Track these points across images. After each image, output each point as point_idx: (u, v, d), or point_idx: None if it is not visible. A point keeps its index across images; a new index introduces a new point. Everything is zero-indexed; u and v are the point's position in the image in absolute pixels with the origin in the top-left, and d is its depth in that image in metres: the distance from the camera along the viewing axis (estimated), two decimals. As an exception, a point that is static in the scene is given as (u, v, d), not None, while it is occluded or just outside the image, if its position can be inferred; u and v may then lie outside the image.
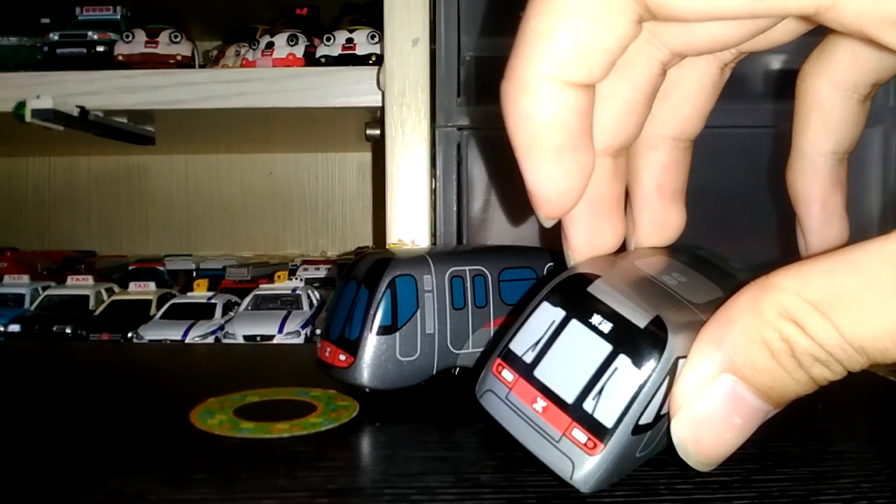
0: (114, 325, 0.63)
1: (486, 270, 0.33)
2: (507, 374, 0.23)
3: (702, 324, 0.21)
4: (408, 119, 0.58)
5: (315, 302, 0.66)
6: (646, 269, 0.25)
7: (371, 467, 0.26)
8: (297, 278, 0.76)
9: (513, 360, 0.23)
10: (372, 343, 0.31)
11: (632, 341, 0.21)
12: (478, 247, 0.50)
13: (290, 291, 0.66)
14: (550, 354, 0.22)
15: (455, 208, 0.55)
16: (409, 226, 0.57)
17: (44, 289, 0.70)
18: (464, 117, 0.54)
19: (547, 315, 0.23)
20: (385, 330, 0.31)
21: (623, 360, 0.21)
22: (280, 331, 0.59)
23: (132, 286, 0.71)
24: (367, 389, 0.31)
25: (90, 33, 0.73)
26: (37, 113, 0.65)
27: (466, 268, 0.33)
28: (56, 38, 0.73)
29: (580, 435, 0.21)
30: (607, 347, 0.21)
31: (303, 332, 0.60)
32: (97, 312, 0.66)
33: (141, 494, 0.23)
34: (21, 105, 0.65)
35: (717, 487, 0.23)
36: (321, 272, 0.82)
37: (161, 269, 0.87)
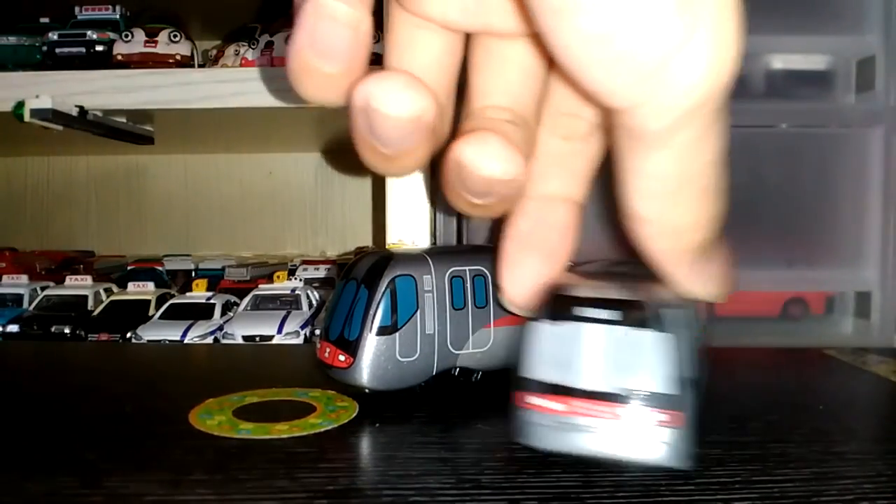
0: (112, 325, 0.62)
1: (486, 270, 0.33)
2: (550, 403, 0.23)
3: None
4: (407, 119, 0.57)
5: (314, 302, 0.66)
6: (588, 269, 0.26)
7: (371, 468, 0.26)
8: (296, 278, 0.76)
9: (547, 388, 0.23)
10: (371, 343, 0.31)
11: (640, 314, 0.22)
12: (478, 247, 0.50)
13: (289, 291, 0.66)
14: (583, 362, 0.23)
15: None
16: (409, 226, 0.57)
17: (42, 289, 0.70)
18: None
19: (553, 332, 0.23)
20: (385, 330, 0.31)
21: (644, 333, 0.22)
22: (279, 331, 0.59)
23: (131, 286, 0.71)
24: (367, 390, 0.31)
25: (89, 33, 0.73)
26: (36, 112, 0.65)
27: (466, 268, 0.33)
28: (55, 37, 0.73)
29: (654, 415, 0.22)
30: (625, 329, 0.22)
31: (302, 333, 0.60)
32: (96, 313, 0.66)
33: (140, 495, 0.23)
34: (20, 105, 0.65)
35: (719, 488, 0.23)
36: (320, 272, 0.81)
37: (160, 269, 0.87)
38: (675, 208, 0.20)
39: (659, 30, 0.15)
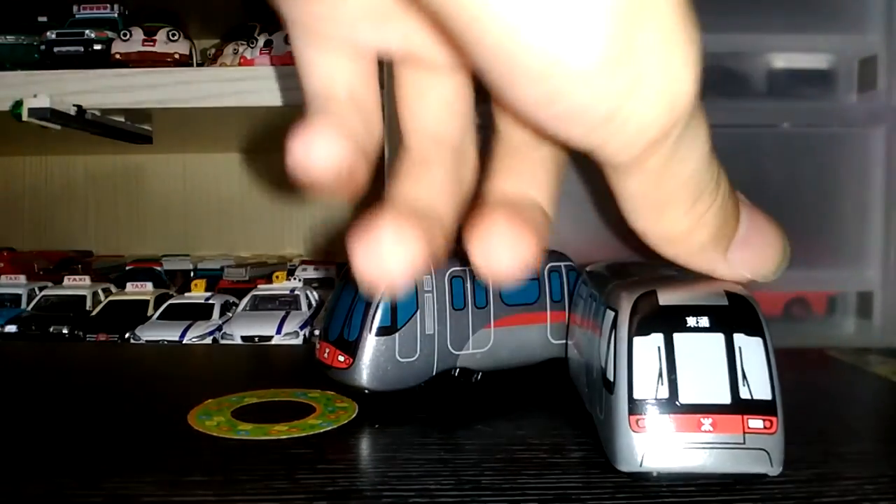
0: (111, 325, 0.62)
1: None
2: (655, 422, 0.22)
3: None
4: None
5: (314, 302, 0.66)
6: (648, 270, 0.25)
7: (370, 469, 0.26)
8: (295, 278, 0.76)
9: (649, 407, 0.22)
10: (371, 344, 0.30)
11: (733, 319, 0.22)
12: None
13: (288, 292, 0.66)
14: (681, 376, 0.22)
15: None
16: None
17: (40, 289, 0.70)
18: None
19: (646, 347, 0.22)
20: (384, 331, 0.31)
21: (740, 338, 0.22)
22: (278, 331, 0.59)
23: (129, 286, 0.71)
24: (367, 391, 0.31)
25: (87, 32, 0.72)
26: (34, 112, 0.65)
27: (466, 268, 0.33)
28: (53, 36, 0.72)
29: (757, 422, 0.22)
30: (719, 336, 0.22)
31: (301, 333, 0.60)
32: (94, 313, 0.66)
33: (138, 496, 0.23)
34: (18, 104, 0.65)
35: (720, 490, 0.23)
36: (320, 272, 0.81)
37: (158, 269, 0.87)
38: (665, 221, 0.20)
39: (601, 89, 0.15)
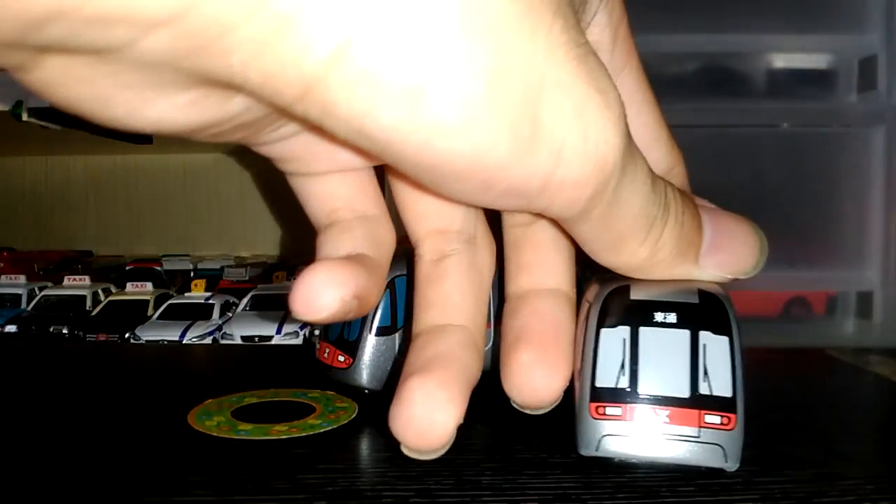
0: (111, 325, 0.62)
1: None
2: (614, 410, 0.23)
3: None
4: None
5: (313, 302, 0.66)
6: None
7: (370, 469, 0.26)
8: (295, 278, 0.76)
9: (609, 395, 0.23)
10: (371, 344, 0.30)
11: (701, 317, 0.22)
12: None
13: (288, 292, 0.66)
14: (642, 368, 0.22)
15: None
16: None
17: (40, 289, 0.70)
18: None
19: (612, 338, 0.23)
20: (384, 331, 0.31)
21: (706, 335, 0.22)
22: (278, 331, 0.59)
23: (129, 286, 0.71)
24: (366, 390, 0.31)
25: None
26: (34, 112, 0.65)
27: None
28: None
29: (714, 418, 0.22)
30: (685, 332, 0.22)
31: (301, 333, 0.60)
32: (94, 313, 0.66)
33: (138, 496, 0.23)
34: (18, 104, 0.65)
35: (720, 490, 0.23)
36: (320, 272, 0.81)
37: (158, 269, 0.87)
38: (624, 255, 0.20)
39: (526, 168, 0.15)
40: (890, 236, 0.49)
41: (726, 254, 0.22)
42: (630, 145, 0.17)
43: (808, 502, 0.22)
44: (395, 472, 0.25)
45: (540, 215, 0.20)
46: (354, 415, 0.30)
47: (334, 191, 0.20)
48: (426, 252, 0.21)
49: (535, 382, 0.20)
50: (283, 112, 0.14)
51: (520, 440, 0.28)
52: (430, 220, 0.21)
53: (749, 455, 0.26)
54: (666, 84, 0.53)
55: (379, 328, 0.31)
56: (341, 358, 0.31)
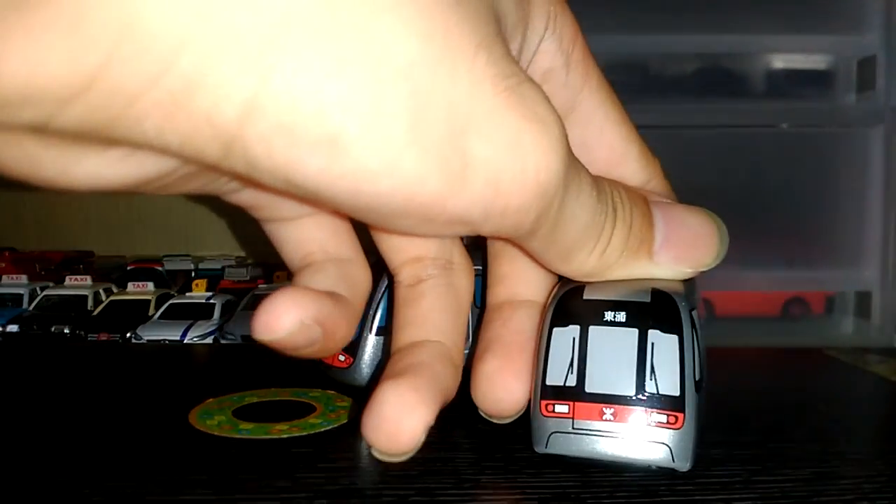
0: (112, 325, 0.62)
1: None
2: (562, 407, 0.23)
3: None
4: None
5: (314, 302, 0.66)
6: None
7: (371, 468, 0.26)
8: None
9: (558, 393, 0.23)
10: (371, 343, 0.31)
11: (651, 316, 0.22)
12: (477, 245, 0.50)
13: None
14: (590, 366, 0.23)
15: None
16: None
17: (42, 289, 0.70)
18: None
19: (563, 337, 0.23)
20: (384, 330, 0.31)
21: (655, 334, 0.22)
22: (279, 331, 0.59)
23: (130, 286, 0.71)
24: (367, 390, 0.31)
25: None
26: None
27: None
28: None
29: (660, 416, 0.22)
30: (634, 331, 0.22)
31: (302, 333, 0.60)
32: (95, 312, 0.66)
33: (139, 496, 0.23)
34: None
35: (719, 488, 0.23)
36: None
37: (159, 269, 0.87)
38: (574, 263, 0.20)
39: (465, 201, 0.15)
40: (888, 236, 0.49)
41: (682, 248, 0.22)
42: (572, 164, 0.17)
43: (807, 501, 0.23)
44: (396, 472, 0.25)
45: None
46: (355, 414, 0.31)
47: (307, 235, 0.21)
48: (404, 278, 0.21)
49: (496, 392, 0.21)
50: (215, 168, 0.14)
51: (520, 440, 0.28)
52: (405, 249, 0.21)
53: (748, 454, 0.26)
54: (666, 84, 0.53)
55: (379, 328, 0.31)
56: (342, 357, 0.31)
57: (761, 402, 0.33)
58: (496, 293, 0.23)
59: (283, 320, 0.17)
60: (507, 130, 0.15)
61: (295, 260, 0.21)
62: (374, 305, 0.31)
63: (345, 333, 0.19)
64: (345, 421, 0.30)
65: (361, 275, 0.21)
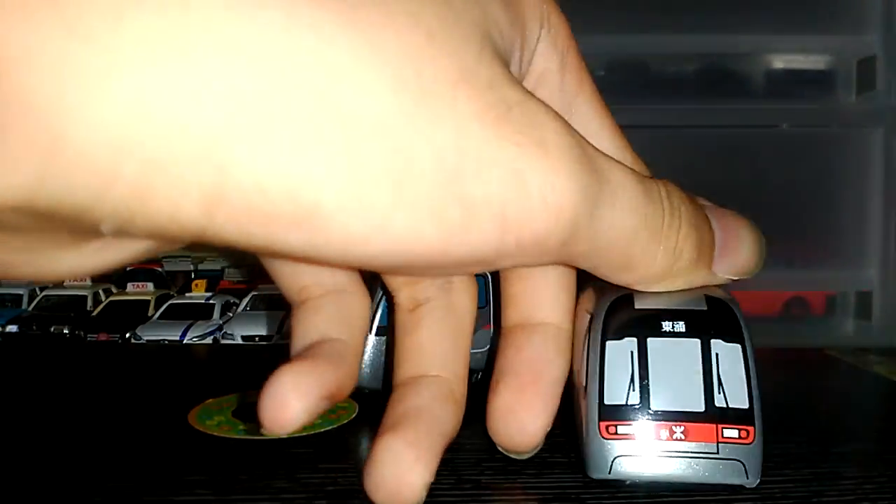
0: (112, 325, 0.62)
1: (486, 271, 0.33)
2: (626, 428, 0.21)
3: None
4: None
5: (314, 302, 0.66)
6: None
7: (370, 469, 0.26)
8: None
9: (620, 412, 0.21)
10: (371, 344, 0.30)
11: (711, 324, 0.21)
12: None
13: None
14: (653, 382, 0.21)
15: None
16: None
17: (41, 289, 0.70)
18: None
19: (618, 351, 0.22)
20: (384, 330, 0.31)
21: (717, 344, 0.21)
22: (279, 331, 0.59)
23: (130, 286, 0.71)
24: (367, 390, 0.31)
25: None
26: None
27: (466, 268, 0.33)
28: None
29: (732, 432, 0.21)
30: (696, 342, 0.21)
31: (301, 333, 0.60)
32: (95, 313, 0.66)
33: (138, 496, 0.23)
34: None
35: (719, 488, 0.23)
36: (320, 272, 0.81)
37: (159, 269, 0.87)
38: (638, 271, 0.19)
39: (470, 249, 0.14)
40: (889, 236, 0.49)
41: (735, 255, 0.21)
42: (592, 172, 0.16)
43: (808, 502, 0.23)
44: (396, 472, 0.25)
45: None
46: (355, 414, 0.31)
47: (302, 267, 0.20)
48: (402, 301, 0.20)
49: (510, 429, 0.20)
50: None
51: (519, 440, 0.28)
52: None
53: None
54: (666, 84, 0.53)
55: (379, 328, 0.31)
56: (341, 358, 0.31)
57: (761, 402, 0.33)
58: (508, 315, 0.22)
59: (292, 413, 0.16)
60: (503, 162, 0.14)
61: (292, 293, 0.21)
62: (372, 306, 0.31)
63: (348, 389, 0.18)
64: (345, 421, 0.30)
65: (358, 307, 0.20)
